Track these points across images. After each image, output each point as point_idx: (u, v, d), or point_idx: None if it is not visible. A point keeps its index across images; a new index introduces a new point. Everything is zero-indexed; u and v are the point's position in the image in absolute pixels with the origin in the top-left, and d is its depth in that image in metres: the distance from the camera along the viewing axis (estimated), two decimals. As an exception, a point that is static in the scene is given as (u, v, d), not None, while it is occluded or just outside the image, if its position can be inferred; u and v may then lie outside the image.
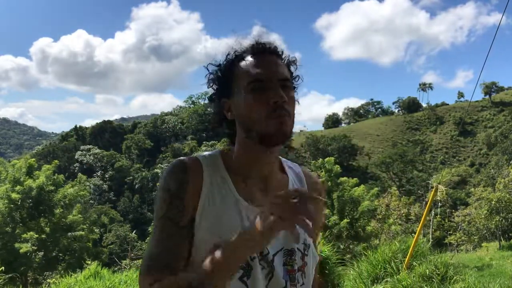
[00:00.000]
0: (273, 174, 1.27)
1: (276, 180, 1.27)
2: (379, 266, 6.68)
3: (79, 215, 20.43)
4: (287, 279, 1.16)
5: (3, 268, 6.93)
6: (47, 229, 18.68)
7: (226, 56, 1.24)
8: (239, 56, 1.21)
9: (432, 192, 7.58)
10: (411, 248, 6.52)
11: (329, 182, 18.34)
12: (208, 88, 1.28)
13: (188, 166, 1.18)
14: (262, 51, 1.21)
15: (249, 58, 1.19)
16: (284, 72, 1.19)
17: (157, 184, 1.26)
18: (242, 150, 1.22)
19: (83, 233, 19.89)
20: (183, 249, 1.12)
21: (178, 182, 1.15)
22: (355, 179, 19.53)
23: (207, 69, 1.27)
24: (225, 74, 1.22)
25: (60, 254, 19.60)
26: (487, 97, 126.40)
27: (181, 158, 1.23)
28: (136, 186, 78.84)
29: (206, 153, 1.27)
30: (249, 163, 1.22)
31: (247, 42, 1.23)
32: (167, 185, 1.16)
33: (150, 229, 59.93)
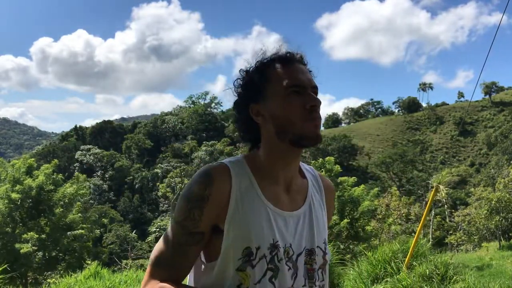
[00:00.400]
0: (295, 177, 1.33)
1: (297, 183, 1.34)
2: (379, 266, 6.68)
3: (79, 215, 20.42)
4: (306, 277, 1.25)
5: (6, 266, 6.88)
6: (47, 229, 18.67)
7: (256, 63, 1.31)
8: (272, 63, 1.29)
9: (432, 192, 7.57)
10: (411, 248, 6.52)
11: (329, 182, 18.31)
12: (235, 93, 1.35)
13: (215, 174, 1.21)
14: (293, 60, 1.29)
15: (285, 65, 1.27)
16: (314, 81, 1.29)
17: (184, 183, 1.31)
18: (271, 153, 1.28)
19: (83, 231, 19.87)
20: (190, 257, 1.21)
21: (202, 191, 1.19)
22: (353, 178, 19.52)
23: (241, 75, 1.34)
24: (257, 80, 1.29)
25: (60, 254, 19.59)
26: (487, 97, 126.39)
27: (210, 166, 1.24)
28: (136, 186, 78.80)
29: (230, 158, 1.31)
30: (277, 165, 1.28)
31: (273, 50, 1.31)
32: (190, 193, 1.20)
33: (150, 229, 60.07)
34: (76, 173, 22.86)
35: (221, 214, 1.19)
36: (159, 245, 1.23)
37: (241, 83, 1.33)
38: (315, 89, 1.27)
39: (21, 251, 17.04)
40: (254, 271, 1.18)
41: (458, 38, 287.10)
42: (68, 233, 19.46)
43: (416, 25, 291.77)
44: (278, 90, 1.25)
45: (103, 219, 25.12)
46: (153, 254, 1.23)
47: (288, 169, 1.29)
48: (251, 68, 1.32)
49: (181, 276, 1.23)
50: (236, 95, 1.34)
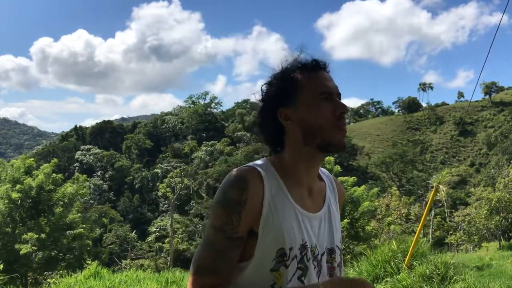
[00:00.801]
0: (316, 180, 1.41)
1: (317, 185, 1.41)
2: (379, 266, 6.68)
3: (79, 214, 20.41)
4: (328, 275, 1.35)
5: (5, 266, 6.89)
6: (47, 229, 18.66)
7: (285, 69, 1.36)
8: (301, 69, 1.34)
9: (432, 192, 7.58)
10: (411, 248, 6.52)
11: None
12: (262, 98, 1.38)
13: (249, 179, 1.24)
14: (320, 67, 1.36)
15: (313, 72, 1.34)
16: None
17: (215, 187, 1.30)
18: (297, 157, 1.33)
19: (82, 230, 19.85)
20: (232, 261, 1.24)
21: (239, 196, 1.21)
22: (353, 177, 19.51)
23: (271, 80, 1.37)
24: (287, 85, 1.33)
25: (60, 254, 19.58)
26: (487, 97, 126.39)
27: (242, 169, 1.27)
28: (136, 186, 78.80)
29: (256, 162, 1.34)
30: (302, 169, 1.34)
31: (298, 57, 1.36)
32: (227, 199, 1.22)
33: (150, 229, 60.03)
34: (76, 173, 22.77)
35: (256, 218, 1.23)
36: (199, 254, 1.25)
37: (269, 87, 1.37)
38: (339, 96, 1.34)
39: (21, 252, 17.03)
40: (288, 271, 1.24)
41: (458, 38, 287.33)
42: (68, 232, 19.45)
43: (417, 25, 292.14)
44: (308, 96, 1.30)
45: (103, 219, 25.08)
46: (194, 263, 1.24)
47: (311, 172, 1.36)
48: (280, 73, 1.36)
49: (227, 281, 1.25)
50: (263, 99, 1.37)
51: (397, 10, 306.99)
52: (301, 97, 1.31)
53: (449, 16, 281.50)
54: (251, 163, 1.32)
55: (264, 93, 1.38)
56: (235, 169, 1.28)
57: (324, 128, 1.28)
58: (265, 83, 1.38)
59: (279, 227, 1.24)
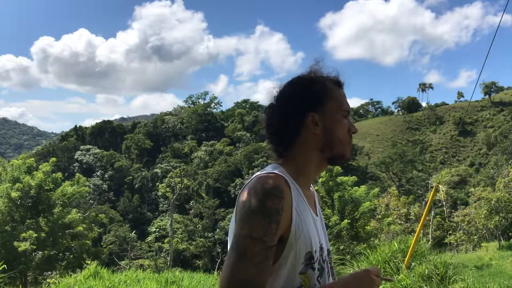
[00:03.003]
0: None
1: (309, 192, 1.48)
2: (379, 266, 6.68)
3: (79, 214, 20.38)
4: (331, 275, 1.44)
5: (5, 265, 6.87)
6: (46, 228, 18.64)
7: (318, 75, 1.42)
8: (332, 82, 1.42)
9: (432, 192, 7.57)
10: (410, 248, 6.52)
11: (330, 182, 18.34)
12: (294, 96, 1.39)
13: (283, 187, 1.26)
14: (342, 84, 1.46)
15: (339, 88, 1.44)
16: None
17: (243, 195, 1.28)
18: (311, 163, 1.41)
19: (81, 228, 19.83)
20: (269, 271, 1.24)
21: (277, 205, 1.22)
22: (353, 177, 19.51)
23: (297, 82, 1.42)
24: (321, 92, 1.39)
25: (60, 254, 19.57)
26: (487, 97, 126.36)
27: (273, 177, 1.27)
28: (136, 186, 78.76)
29: (273, 167, 1.37)
30: (312, 174, 1.42)
31: (326, 69, 1.43)
32: (266, 208, 1.21)
33: (149, 229, 60.01)
34: (77, 174, 22.69)
35: (287, 224, 1.25)
36: (236, 268, 1.18)
37: (296, 89, 1.40)
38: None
39: (19, 249, 17.02)
40: (314, 273, 1.32)
41: (462, 38, 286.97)
42: (67, 231, 19.44)
43: (420, 25, 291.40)
44: (335, 109, 1.39)
45: (101, 215, 24.99)
46: (231, 279, 1.17)
47: (315, 177, 1.47)
48: (313, 79, 1.41)
49: None
50: (287, 98, 1.39)
51: (401, 9, 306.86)
52: (329, 107, 1.38)
53: (453, 15, 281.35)
54: (270, 169, 1.34)
55: (288, 93, 1.40)
56: (263, 177, 1.28)
57: (342, 143, 1.39)
58: (289, 83, 1.42)
59: (306, 232, 1.30)
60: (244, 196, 1.26)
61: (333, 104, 1.39)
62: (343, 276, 1.44)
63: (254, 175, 1.33)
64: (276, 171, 1.32)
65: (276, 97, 1.41)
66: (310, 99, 1.38)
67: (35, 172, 19.50)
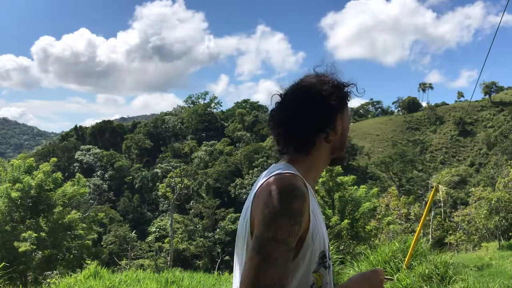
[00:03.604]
0: None
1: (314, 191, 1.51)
2: (379, 266, 6.67)
3: (79, 214, 20.37)
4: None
5: (5, 265, 6.87)
6: (46, 228, 18.64)
7: (342, 82, 1.45)
8: (347, 96, 1.46)
9: (432, 192, 7.57)
10: (411, 248, 6.52)
11: (330, 182, 18.34)
12: (318, 105, 1.39)
13: (303, 188, 1.26)
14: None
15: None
16: None
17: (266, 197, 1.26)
18: (321, 164, 1.44)
19: (82, 232, 19.84)
20: (290, 273, 1.24)
21: (301, 206, 1.22)
22: (352, 176, 19.52)
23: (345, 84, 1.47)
24: (345, 98, 1.45)
25: (60, 254, 19.56)
26: (487, 97, 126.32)
27: (293, 178, 1.27)
28: (136, 186, 78.74)
29: (288, 167, 1.36)
30: (317, 175, 1.47)
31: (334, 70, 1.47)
32: (291, 210, 1.20)
33: (150, 229, 60.02)
34: (78, 174, 22.66)
35: (306, 225, 1.26)
36: (261, 272, 1.16)
37: (328, 86, 1.41)
38: None
39: (20, 249, 17.02)
40: (326, 271, 1.33)
41: (463, 38, 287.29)
42: (68, 232, 19.44)
43: (422, 25, 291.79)
44: (347, 116, 1.46)
45: (100, 214, 24.95)
46: (259, 281, 1.15)
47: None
48: (341, 83, 1.44)
49: None
50: (322, 90, 1.39)
51: (402, 9, 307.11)
52: (346, 114, 1.44)
53: (455, 15, 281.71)
54: (285, 169, 1.33)
55: (311, 100, 1.38)
56: (284, 177, 1.27)
57: (345, 147, 1.47)
58: (309, 88, 1.41)
59: (321, 231, 1.32)
60: (265, 196, 1.23)
61: (347, 112, 1.45)
62: (354, 276, 1.46)
63: (271, 174, 1.31)
64: (291, 171, 1.31)
65: (294, 99, 1.39)
66: (339, 100, 1.40)
67: (35, 172, 19.50)
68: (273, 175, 1.29)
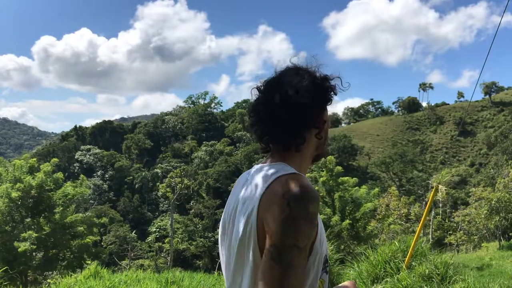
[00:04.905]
0: None
1: None
2: (379, 266, 6.68)
3: (80, 214, 20.38)
4: None
5: (6, 267, 6.89)
6: (47, 228, 18.65)
7: (328, 77, 1.37)
8: (334, 89, 1.39)
9: (432, 192, 7.57)
10: (411, 248, 6.52)
11: (330, 182, 18.35)
12: (312, 98, 1.32)
13: (315, 189, 1.21)
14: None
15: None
16: None
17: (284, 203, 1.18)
18: (307, 162, 1.38)
19: (82, 228, 19.85)
20: None
21: (316, 209, 1.17)
22: (354, 178, 19.52)
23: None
24: (332, 92, 1.38)
25: (60, 254, 19.57)
26: (487, 97, 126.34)
27: (306, 180, 1.21)
28: (136, 186, 78.76)
29: (289, 167, 1.28)
30: (305, 172, 1.39)
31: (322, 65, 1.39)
32: (311, 215, 1.14)
33: (150, 229, 59.98)
34: (81, 176, 22.69)
35: (317, 228, 1.22)
36: (286, 281, 1.08)
37: (322, 83, 1.35)
38: None
39: (19, 249, 17.03)
40: (327, 276, 1.28)
41: (466, 38, 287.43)
42: (67, 231, 19.45)
43: (424, 25, 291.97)
44: (328, 114, 1.40)
45: (103, 218, 25.01)
46: None
47: None
48: (328, 79, 1.36)
49: None
50: (305, 99, 1.30)
51: (405, 9, 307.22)
52: (327, 110, 1.39)
53: (458, 15, 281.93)
54: (288, 169, 1.25)
55: (313, 80, 1.32)
56: (296, 179, 1.19)
57: (327, 143, 1.43)
58: (309, 70, 1.36)
59: (323, 233, 1.27)
60: (279, 200, 1.15)
61: (327, 110, 1.39)
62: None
63: (273, 175, 1.23)
64: (296, 172, 1.24)
65: (284, 92, 1.28)
66: (324, 102, 1.35)
67: (36, 173, 19.50)
68: (280, 177, 1.21)
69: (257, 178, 1.27)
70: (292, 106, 1.26)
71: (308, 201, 1.13)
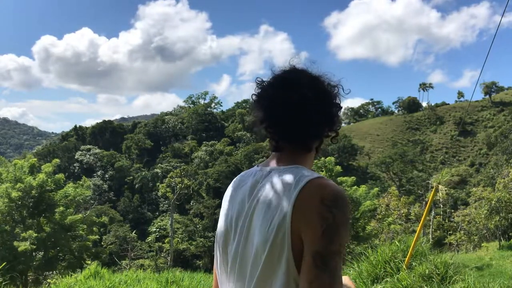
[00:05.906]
0: None
1: None
2: (379, 266, 6.68)
3: (80, 215, 20.40)
4: None
5: (5, 266, 6.89)
6: (47, 229, 18.66)
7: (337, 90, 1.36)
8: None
9: (432, 192, 7.57)
10: (411, 248, 6.52)
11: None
12: (331, 105, 1.32)
13: None
14: None
15: None
16: None
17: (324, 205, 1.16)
18: (312, 163, 1.38)
19: (83, 232, 19.88)
20: None
21: (350, 214, 1.18)
22: (352, 177, 19.54)
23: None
24: (339, 92, 1.36)
25: (60, 254, 19.58)
26: (487, 97, 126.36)
27: (334, 184, 1.19)
28: (136, 186, 78.76)
29: (312, 172, 1.26)
30: None
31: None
32: (347, 219, 1.15)
33: (150, 229, 59.96)
34: (83, 177, 22.73)
35: None
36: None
37: (331, 103, 1.34)
38: None
39: (19, 249, 17.04)
40: None
41: (468, 38, 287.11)
42: (68, 233, 19.46)
43: (426, 24, 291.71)
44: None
45: (103, 217, 25.03)
46: None
47: None
48: (335, 86, 1.35)
49: None
50: (325, 104, 1.30)
51: (407, 9, 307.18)
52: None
53: (460, 15, 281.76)
54: (314, 173, 1.23)
55: (325, 101, 1.30)
56: (329, 185, 1.17)
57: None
58: (318, 90, 1.31)
59: None
60: (319, 207, 1.12)
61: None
62: None
63: (302, 178, 1.19)
64: (319, 174, 1.23)
65: (315, 92, 1.26)
66: (338, 109, 1.35)
67: (37, 173, 19.51)
68: (311, 181, 1.17)
69: (279, 181, 1.22)
70: (322, 107, 1.26)
71: (346, 206, 1.14)
